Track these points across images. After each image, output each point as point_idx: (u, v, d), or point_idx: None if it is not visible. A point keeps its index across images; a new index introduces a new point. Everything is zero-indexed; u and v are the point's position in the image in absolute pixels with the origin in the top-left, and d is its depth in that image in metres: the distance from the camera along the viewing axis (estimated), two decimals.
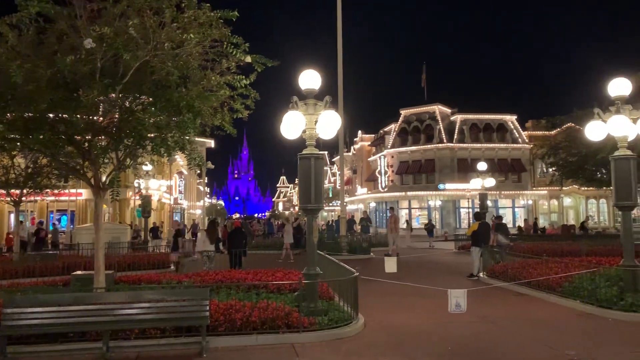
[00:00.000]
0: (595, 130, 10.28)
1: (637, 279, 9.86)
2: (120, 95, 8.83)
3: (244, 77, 9.47)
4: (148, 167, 21.72)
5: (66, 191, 29.50)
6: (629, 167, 9.95)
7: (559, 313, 9.99)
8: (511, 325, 9.09)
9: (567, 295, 10.77)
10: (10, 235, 22.92)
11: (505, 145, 47.59)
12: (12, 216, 29.65)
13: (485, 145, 47.17)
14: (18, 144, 9.67)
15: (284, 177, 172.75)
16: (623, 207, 10.23)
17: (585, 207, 49.32)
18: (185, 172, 50.49)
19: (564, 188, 35.65)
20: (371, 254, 22.87)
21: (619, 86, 9.99)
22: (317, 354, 7.47)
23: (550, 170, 33.20)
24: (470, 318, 9.23)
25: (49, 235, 24.85)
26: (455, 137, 47.37)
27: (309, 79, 8.84)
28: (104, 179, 9.81)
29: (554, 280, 11.31)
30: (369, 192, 57.21)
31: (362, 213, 42.22)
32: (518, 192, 47.82)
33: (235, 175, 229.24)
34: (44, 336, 7.46)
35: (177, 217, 51.60)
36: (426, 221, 38.49)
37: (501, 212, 43.05)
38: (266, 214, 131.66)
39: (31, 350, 7.33)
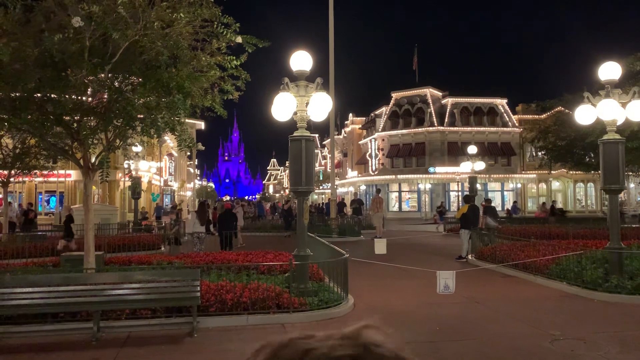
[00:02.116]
0: (584, 114, 10.34)
1: (622, 261, 10.02)
2: (109, 75, 8.74)
3: (234, 57, 9.39)
4: (138, 148, 21.55)
5: (55, 172, 29.25)
6: (617, 150, 10.03)
7: (546, 294, 10.14)
8: (498, 306, 9.22)
9: (554, 277, 10.93)
10: None
11: (495, 128, 47.73)
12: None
13: (475, 128, 47.28)
14: (5, 124, 9.56)
15: (275, 160, 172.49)
16: (610, 190, 10.34)
17: (574, 190, 49.78)
18: (175, 153, 50.24)
19: (552, 172, 35.92)
20: (361, 236, 23.00)
21: (609, 70, 10.02)
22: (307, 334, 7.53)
23: (540, 154, 33.42)
24: (459, 299, 9.35)
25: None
26: (446, 120, 47.42)
27: (301, 60, 8.78)
28: (93, 159, 9.75)
29: (541, 262, 11.46)
30: (360, 175, 57.29)
31: (352, 195, 42.25)
32: (507, 175, 48.11)
33: (226, 158, 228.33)
34: (34, 316, 7.48)
35: (167, 199, 51.49)
36: (415, 204, 38.49)
37: (490, 195, 43.32)
38: (256, 196, 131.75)
39: (22, 330, 7.34)
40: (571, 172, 38.21)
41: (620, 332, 7.58)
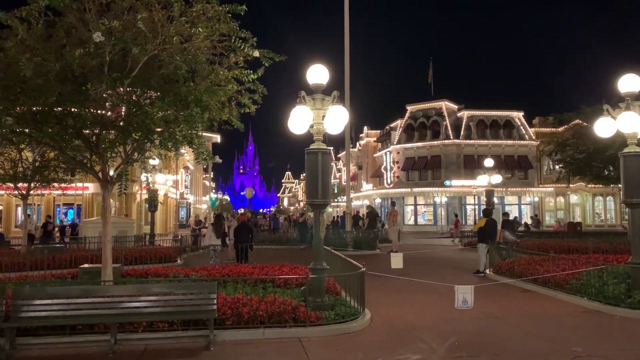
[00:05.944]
0: (604, 127, 10.21)
1: None
2: (128, 89, 8.84)
3: (251, 71, 9.46)
4: (155, 162, 21.78)
5: (73, 185, 29.63)
6: (639, 164, 9.88)
7: (566, 310, 9.96)
8: (517, 322, 9.07)
9: (574, 292, 10.73)
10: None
11: (512, 141, 47.45)
12: (20, 210, 29.84)
13: (491, 141, 47.05)
14: (27, 137, 9.71)
15: (289, 173, 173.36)
16: (632, 204, 10.15)
17: (592, 204, 49.11)
18: (191, 167, 50.65)
19: (570, 185, 35.49)
20: (377, 249, 22.88)
21: (629, 82, 9.90)
22: (324, 348, 7.48)
23: (557, 167, 33.03)
24: (477, 314, 9.23)
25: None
26: (461, 133, 47.26)
27: (317, 73, 8.81)
28: (111, 172, 9.85)
29: (561, 277, 11.27)
30: (375, 188, 57.18)
31: (366, 207, 41.93)
32: (524, 189, 47.70)
33: (241, 171, 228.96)
34: (52, 328, 7.51)
35: (182, 212, 51.80)
36: (431, 217, 37.83)
37: (507, 209, 42.92)
38: (271, 209, 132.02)
39: (40, 341, 7.39)
40: (590, 185, 37.72)
41: None
